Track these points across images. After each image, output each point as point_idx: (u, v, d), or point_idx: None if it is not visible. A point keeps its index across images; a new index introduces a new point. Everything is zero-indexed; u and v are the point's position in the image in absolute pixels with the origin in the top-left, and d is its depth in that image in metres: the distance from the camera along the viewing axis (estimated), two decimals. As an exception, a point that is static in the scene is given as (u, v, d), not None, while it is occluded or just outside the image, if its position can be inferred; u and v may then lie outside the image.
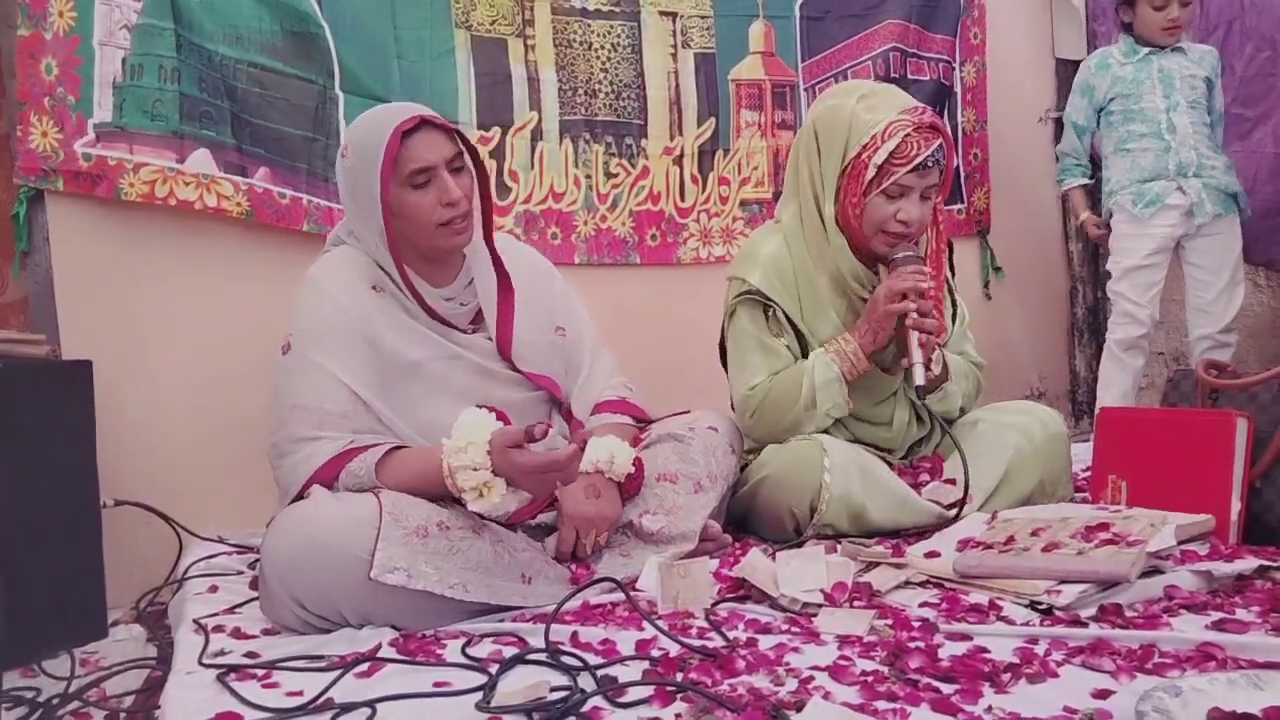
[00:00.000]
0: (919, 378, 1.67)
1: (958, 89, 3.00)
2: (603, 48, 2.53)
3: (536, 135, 2.45)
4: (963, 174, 3.03)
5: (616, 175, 2.55)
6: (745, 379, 1.84)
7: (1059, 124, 3.25)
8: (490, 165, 2.33)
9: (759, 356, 1.83)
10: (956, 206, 3.03)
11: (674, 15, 2.61)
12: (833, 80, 2.79)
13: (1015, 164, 3.14)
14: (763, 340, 1.83)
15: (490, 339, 1.68)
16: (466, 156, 1.62)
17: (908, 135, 1.70)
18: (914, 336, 1.69)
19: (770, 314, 1.83)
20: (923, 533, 1.71)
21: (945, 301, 1.89)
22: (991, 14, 3.05)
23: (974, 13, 3.01)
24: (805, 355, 1.81)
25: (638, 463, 1.64)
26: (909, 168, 1.70)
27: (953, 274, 1.99)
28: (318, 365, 1.51)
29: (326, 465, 1.47)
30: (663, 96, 2.59)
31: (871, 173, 1.72)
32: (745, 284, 1.83)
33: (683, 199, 2.62)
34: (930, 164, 1.71)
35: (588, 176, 2.51)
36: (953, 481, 1.82)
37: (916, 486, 1.82)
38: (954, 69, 2.98)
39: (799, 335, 1.83)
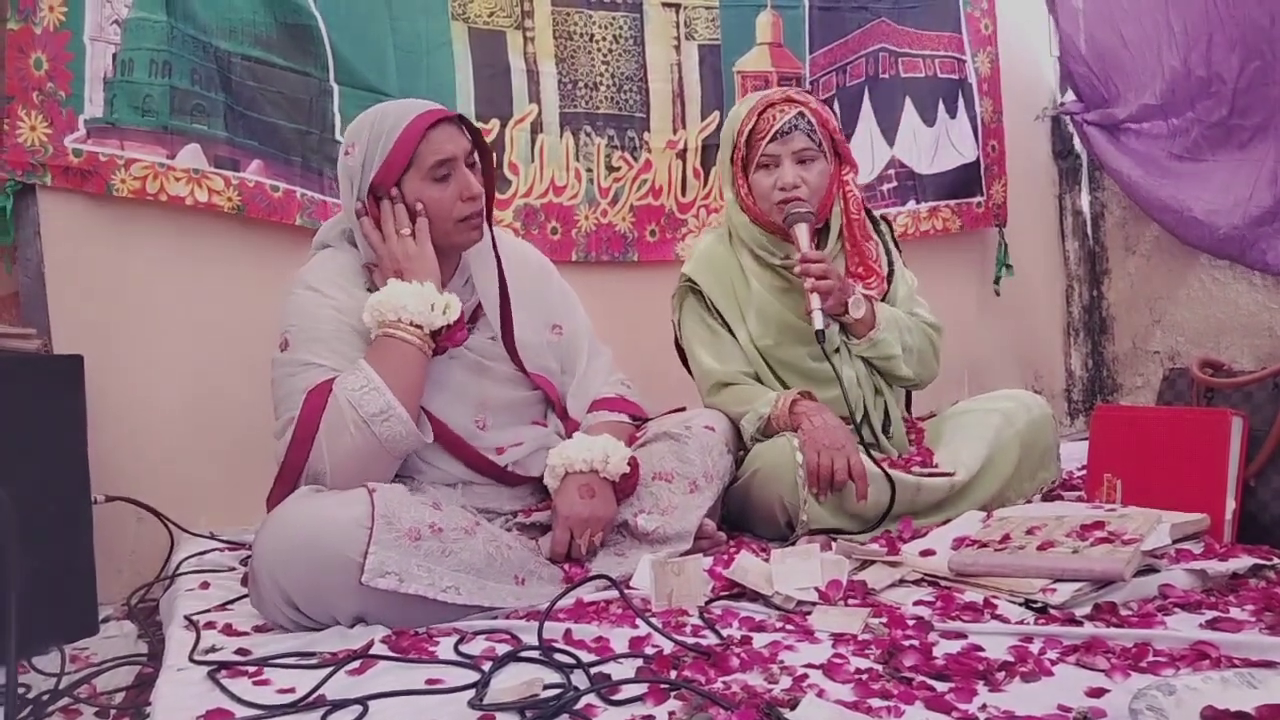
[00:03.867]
0: (817, 322, 1.80)
1: (972, 80, 2.99)
2: (604, 39, 2.51)
3: (536, 128, 2.43)
4: (983, 166, 3.01)
5: (618, 169, 2.52)
6: (700, 361, 1.97)
7: (1056, 121, 3.25)
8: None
9: (706, 334, 1.98)
10: (976, 199, 3.01)
11: (677, 7, 2.58)
12: (835, 74, 2.77)
13: (1013, 160, 3.13)
14: (706, 323, 1.98)
15: (493, 338, 1.67)
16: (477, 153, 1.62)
17: (763, 112, 1.88)
18: (808, 288, 1.81)
19: (707, 300, 1.98)
20: (918, 532, 1.71)
21: (882, 264, 2.01)
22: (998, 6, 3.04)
23: (983, 3, 3.00)
24: (733, 336, 1.97)
25: (633, 461, 1.63)
26: (768, 138, 1.86)
27: (897, 248, 2.10)
28: (316, 364, 1.49)
29: (317, 388, 1.46)
30: (666, 89, 2.56)
31: (744, 151, 1.90)
32: (683, 276, 2.01)
33: (684, 194, 2.60)
34: (788, 130, 1.86)
35: (589, 170, 2.49)
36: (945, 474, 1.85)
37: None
38: (964, 63, 2.96)
39: (724, 319, 1.97)
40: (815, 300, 1.80)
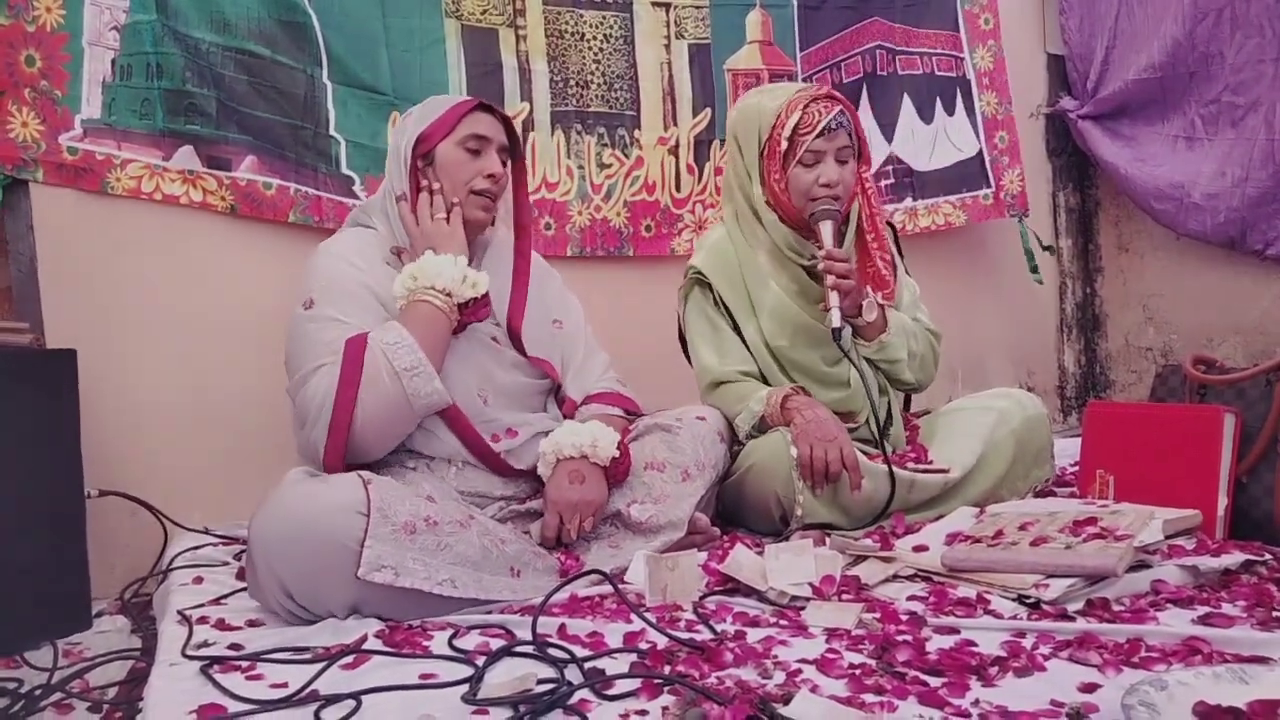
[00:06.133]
0: (834, 320, 1.80)
1: (971, 76, 2.99)
2: (595, 38, 2.52)
3: (528, 126, 2.44)
4: (988, 159, 3.00)
5: (610, 166, 2.53)
6: (700, 356, 1.97)
7: (1050, 119, 3.26)
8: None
9: (709, 329, 1.97)
10: (983, 191, 3.01)
11: (667, 6, 2.60)
12: (829, 71, 2.79)
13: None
14: (710, 317, 1.97)
15: (498, 324, 1.72)
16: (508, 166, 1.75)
17: (807, 106, 1.86)
18: (829, 285, 1.81)
19: (715, 294, 1.96)
20: (911, 527, 1.71)
21: (894, 267, 2.01)
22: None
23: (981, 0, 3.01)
24: (738, 333, 1.95)
25: (623, 446, 1.64)
26: (815, 133, 1.83)
27: (900, 254, 2.09)
28: (344, 321, 1.56)
29: (356, 338, 1.52)
30: (656, 88, 2.58)
31: (784, 146, 1.86)
32: (692, 268, 1.98)
33: (678, 189, 2.61)
34: (834, 126, 1.84)
35: (580, 167, 2.50)
36: (940, 470, 1.86)
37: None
38: (962, 60, 2.97)
39: (731, 315, 1.96)
40: (834, 299, 1.79)
